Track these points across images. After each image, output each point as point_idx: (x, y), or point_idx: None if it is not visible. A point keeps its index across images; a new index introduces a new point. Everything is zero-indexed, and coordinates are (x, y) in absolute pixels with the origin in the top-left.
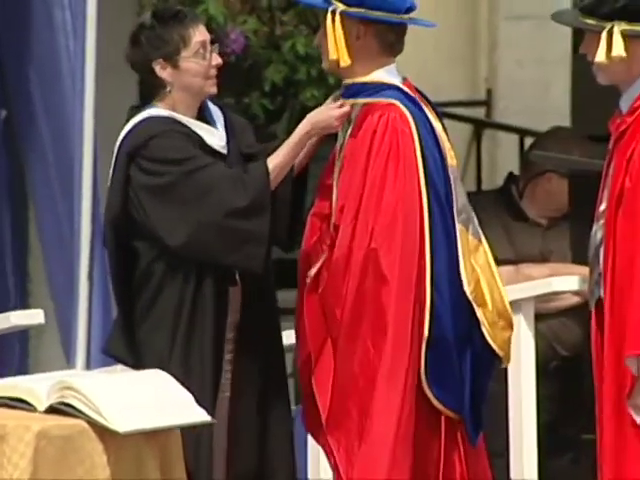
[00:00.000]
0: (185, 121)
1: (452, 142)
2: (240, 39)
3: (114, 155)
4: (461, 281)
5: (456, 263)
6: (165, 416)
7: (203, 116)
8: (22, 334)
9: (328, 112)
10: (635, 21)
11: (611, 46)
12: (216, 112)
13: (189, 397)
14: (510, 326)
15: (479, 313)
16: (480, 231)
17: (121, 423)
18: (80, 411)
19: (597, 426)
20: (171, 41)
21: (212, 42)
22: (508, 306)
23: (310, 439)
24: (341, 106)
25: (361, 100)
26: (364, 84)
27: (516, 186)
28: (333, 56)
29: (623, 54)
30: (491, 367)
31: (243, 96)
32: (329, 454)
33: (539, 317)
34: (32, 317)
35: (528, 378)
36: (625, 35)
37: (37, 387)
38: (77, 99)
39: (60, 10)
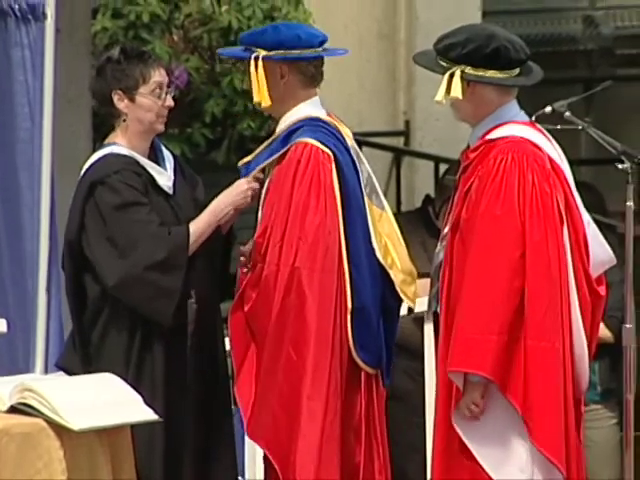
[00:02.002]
0: (142, 161)
1: (373, 167)
2: (183, 75)
3: (77, 184)
4: (373, 249)
5: (368, 236)
6: (116, 415)
7: (155, 155)
8: None
9: (241, 188)
10: (478, 67)
11: (450, 87)
12: (167, 155)
13: (138, 398)
14: (414, 279)
15: (391, 274)
16: (383, 199)
17: (76, 422)
18: (39, 411)
19: (433, 439)
20: (132, 76)
21: (168, 85)
22: (410, 263)
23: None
24: (250, 182)
25: (275, 156)
26: (267, 148)
27: (432, 207)
28: (256, 99)
29: (459, 96)
30: (398, 319)
31: (186, 127)
32: None
33: None
34: None
35: None
36: (468, 79)
37: None
38: (36, 130)
39: (20, 49)
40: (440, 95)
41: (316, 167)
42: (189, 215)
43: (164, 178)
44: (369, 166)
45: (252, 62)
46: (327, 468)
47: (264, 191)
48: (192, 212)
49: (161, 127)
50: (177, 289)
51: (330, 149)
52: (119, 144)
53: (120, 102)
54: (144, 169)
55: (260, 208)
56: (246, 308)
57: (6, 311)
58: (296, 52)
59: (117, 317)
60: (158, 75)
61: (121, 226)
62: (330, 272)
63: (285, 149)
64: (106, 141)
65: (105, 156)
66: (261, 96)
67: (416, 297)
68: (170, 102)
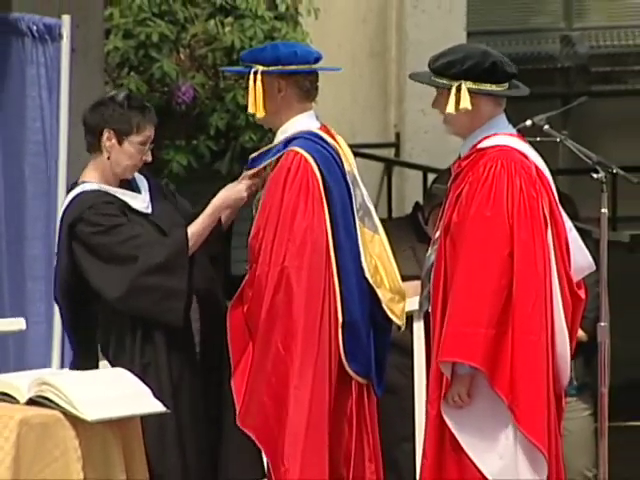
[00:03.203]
0: (112, 191)
1: (365, 177)
2: (190, 91)
3: (59, 225)
4: (362, 269)
5: (358, 256)
6: (126, 407)
7: (128, 182)
8: None
9: (237, 187)
10: (477, 81)
11: (459, 100)
12: (140, 179)
13: (147, 390)
14: (403, 298)
15: (379, 293)
16: (377, 223)
17: (90, 413)
18: (55, 403)
19: (425, 427)
20: (129, 122)
21: (151, 142)
22: (400, 282)
23: None
24: (244, 182)
25: (272, 158)
26: (272, 149)
27: (421, 213)
28: (251, 110)
29: (469, 107)
30: (389, 333)
31: (192, 139)
32: None
33: None
34: (15, 324)
35: None
36: (470, 92)
37: (19, 383)
38: (47, 143)
39: (35, 67)
40: (451, 108)
41: (305, 174)
42: (173, 225)
43: (138, 201)
44: (363, 186)
45: (251, 76)
46: (313, 454)
47: (259, 196)
48: (176, 221)
49: (130, 176)
50: (183, 289)
51: (318, 166)
52: (89, 181)
53: (108, 141)
54: (115, 197)
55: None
56: (245, 307)
57: (2, 312)
58: (293, 67)
59: (121, 322)
60: (149, 131)
61: (112, 248)
62: (317, 270)
63: (278, 156)
64: (79, 179)
65: (77, 196)
66: (256, 107)
67: (404, 315)
68: (149, 158)
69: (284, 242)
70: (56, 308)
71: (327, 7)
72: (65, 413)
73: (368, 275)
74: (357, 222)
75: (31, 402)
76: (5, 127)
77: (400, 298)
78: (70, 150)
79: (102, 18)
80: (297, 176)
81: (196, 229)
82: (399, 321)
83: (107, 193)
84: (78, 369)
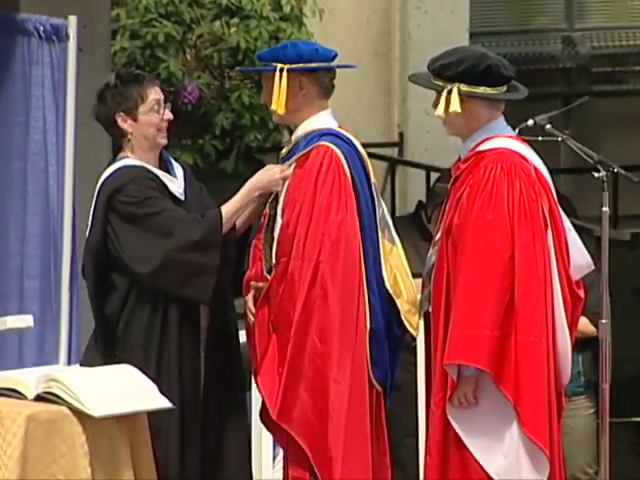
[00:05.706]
0: (153, 170)
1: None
2: (195, 91)
3: (94, 196)
4: (383, 278)
5: (379, 265)
6: (133, 403)
7: (165, 166)
8: None
9: (274, 174)
10: (472, 84)
11: (449, 102)
12: (177, 165)
13: (153, 386)
14: (418, 310)
15: (398, 303)
16: (395, 236)
17: (97, 409)
18: (63, 399)
19: (427, 426)
20: (131, 98)
21: (165, 101)
22: (417, 295)
23: None
24: (282, 170)
25: (304, 151)
26: (298, 144)
27: (424, 212)
28: (274, 107)
29: (458, 110)
30: (401, 345)
31: (198, 138)
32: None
33: None
34: (23, 321)
35: None
36: (463, 95)
37: (27, 379)
38: (49, 141)
39: (40, 67)
40: (440, 110)
41: (337, 170)
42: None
43: (175, 185)
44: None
45: (277, 74)
46: (355, 446)
47: (283, 189)
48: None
49: (164, 140)
50: (215, 266)
51: (348, 164)
52: (130, 157)
53: (124, 123)
54: (156, 176)
55: (278, 205)
56: (273, 302)
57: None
58: (314, 64)
59: (139, 308)
60: (154, 93)
61: (149, 220)
62: (351, 266)
63: (307, 150)
64: (118, 157)
65: (119, 168)
66: (279, 105)
67: (419, 327)
68: (169, 115)
69: (318, 237)
70: (63, 305)
71: (331, 8)
72: (72, 409)
73: (388, 285)
74: (379, 231)
75: (39, 398)
76: (8, 126)
77: (416, 310)
78: (76, 149)
79: (109, 19)
80: (330, 171)
81: (230, 208)
82: (415, 332)
83: (149, 171)
84: (99, 340)
